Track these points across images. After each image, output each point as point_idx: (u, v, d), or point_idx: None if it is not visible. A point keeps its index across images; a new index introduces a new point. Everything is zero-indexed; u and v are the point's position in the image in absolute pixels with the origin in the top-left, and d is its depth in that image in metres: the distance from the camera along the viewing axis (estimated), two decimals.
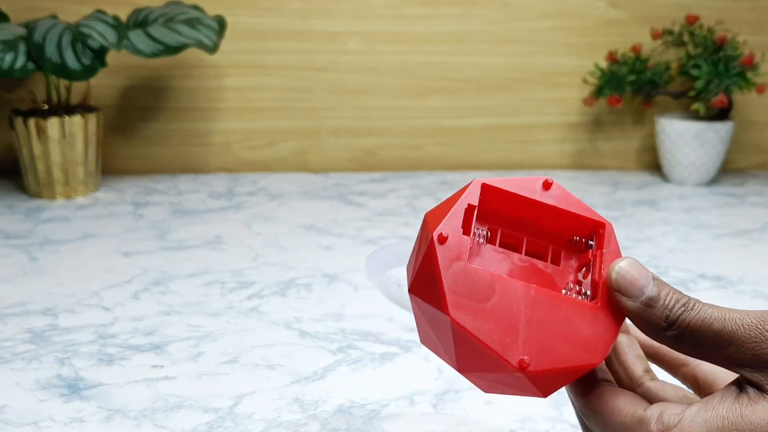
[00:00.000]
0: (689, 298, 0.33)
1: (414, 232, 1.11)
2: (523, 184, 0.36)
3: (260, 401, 0.64)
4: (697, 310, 0.32)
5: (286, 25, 1.42)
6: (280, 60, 1.43)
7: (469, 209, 0.34)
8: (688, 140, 1.35)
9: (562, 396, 0.65)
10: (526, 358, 0.32)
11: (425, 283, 0.34)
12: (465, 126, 1.48)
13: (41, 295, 0.87)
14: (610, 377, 0.37)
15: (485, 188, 0.35)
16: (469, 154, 1.49)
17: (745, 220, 1.17)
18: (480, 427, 0.60)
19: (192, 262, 0.98)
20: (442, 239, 0.33)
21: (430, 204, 1.26)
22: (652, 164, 1.51)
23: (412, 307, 0.35)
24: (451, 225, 0.34)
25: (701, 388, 0.38)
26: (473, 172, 1.48)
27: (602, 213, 1.17)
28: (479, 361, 0.33)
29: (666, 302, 0.32)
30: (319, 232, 1.11)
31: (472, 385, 0.66)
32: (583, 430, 0.37)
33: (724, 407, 0.31)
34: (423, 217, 0.36)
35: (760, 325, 0.31)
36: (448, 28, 1.44)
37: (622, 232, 1.07)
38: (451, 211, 0.34)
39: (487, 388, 0.35)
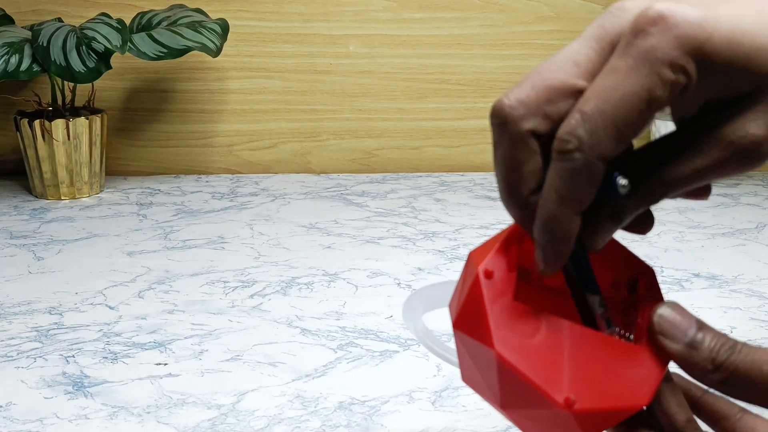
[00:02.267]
0: (735, 341, 0.32)
1: (413, 232, 1.12)
2: None
3: (262, 398, 0.65)
4: (745, 353, 0.31)
5: (287, 29, 1.43)
6: (281, 63, 1.45)
7: (514, 247, 0.34)
8: None
9: None
10: (572, 395, 0.32)
11: (470, 318, 0.33)
12: (464, 128, 1.49)
13: (46, 294, 0.88)
14: (653, 425, 0.36)
15: (525, 232, 0.34)
16: (467, 156, 1.51)
17: (740, 221, 1.18)
18: (478, 424, 0.61)
19: (195, 261, 0.99)
20: (489, 274, 0.33)
21: (430, 204, 1.27)
22: None
23: (456, 343, 0.35)
24: (496, 261, 0.33)
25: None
26: (472, 174, 1.49)
27: None
28: (524, 397, 0.32)
29: (711, 344, 0.32)
30: (320, 232, 1.12)
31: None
32: None
33: None
34: (467, 255, 0.36)
35: None
36: (446, 32, 1.45)
37: (618, 233, 1.08)
38: (496, 247, 0.34)
39: (528, 429, 0.34)
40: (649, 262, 0.99)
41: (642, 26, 0.28)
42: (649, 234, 1.11)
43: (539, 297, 0.36)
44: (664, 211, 1.23)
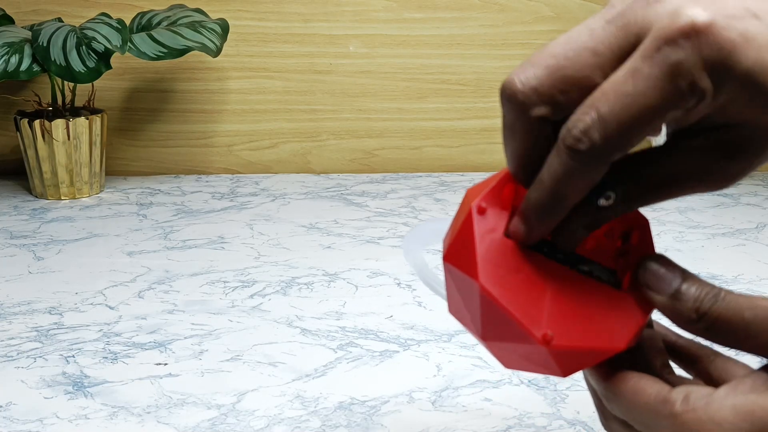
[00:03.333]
0: (719, 290, 0.32)
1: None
2: None
3: (262, 398, 0.65)
4: (728, 301, 0.31)
5: (287, 29, 1.44)
6: (281, 63, 1.45)
7: (510, 186, 0.35)
8: None
9: (558, 394, 0.66)
10: (549, 332, 0.32)
11: (459, 250, 0.34)
12: (463, 128, 1.50)
13: (46, 294, 0.88)
14: (632, 363, 0.37)
15: None
16: (467, 156, 1.51)
17: (740, 221, 1.18)
18: (478, 424, 0.61)
19: (195, 261, 0.99)
20: (482, 210, 0.34)
21: (430, 204, 1.27)
22: None
23: (445, 275, 0.36)
24: (491, 198, 0.34)
25: (716, 385, 0.38)
26: (472, 174, 1.49)
27: None
28: (503, 330, 0.33)
29: (695, 294, 0.32)
30: (320, 232, 1.12)
31: (472, 381, 0.67)
32: (601, 418, 0.37)
33: (755, 393, 0.30)
34: (465, 193, 0.37)
35: None
36: (446, 32, 1.45)
37: None
38: (491, 186, 0.35)
39: (507, 362, 0.35)
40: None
41: (674, 36, 0.28)
42: None
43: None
44: (664, 211, 1.23)
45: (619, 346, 0.33)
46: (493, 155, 1.51)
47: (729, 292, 0.32)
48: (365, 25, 1.44)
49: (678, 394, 0.32)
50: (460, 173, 1.49)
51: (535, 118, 0.31)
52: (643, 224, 0.36)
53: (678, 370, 0.39)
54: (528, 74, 0.30)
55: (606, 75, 0.30)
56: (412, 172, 1.50)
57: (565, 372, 0.34)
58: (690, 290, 0.32)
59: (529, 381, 0.68)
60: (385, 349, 0.74)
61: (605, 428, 0.37)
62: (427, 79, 1.47)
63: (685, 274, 0.33)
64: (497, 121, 1.50)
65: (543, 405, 0.64)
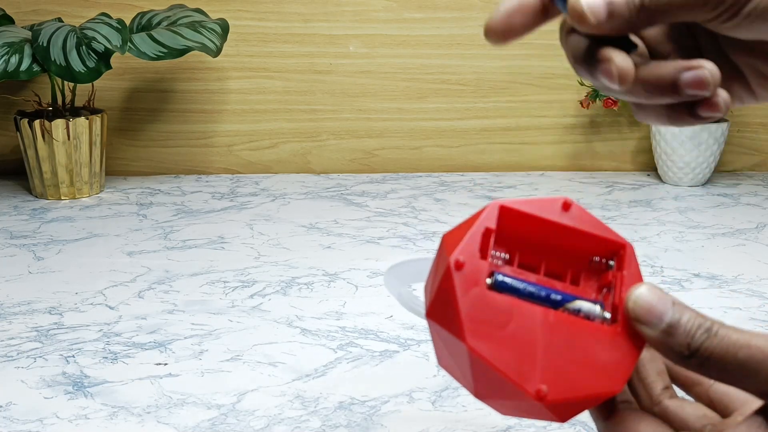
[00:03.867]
0: (712, 323, 0.31)
1: (413, 232, 1.12)
2: (542, 205, 0.35)
3: (262, 398, 0.65)
4: (721, 337, 0.31)
5: (287, 29, 1.44)
6: (281, 63, 1.45)
7: (486, 233, 0.34)
8: (683, 141, 1.36)
9: None
10: (543, 387, 0.32)
11: (442, 309, 0.33)
12: (463, 128, 1.50)
13: (46, 294, 0.88)
14: (630, 397, 0.37)
15: (503, 210, 0.35)
16: (467, 156, 1.51)
17: (740, 221, 1.18)
18: (478, 424, 0.61)
19: (195, 261, 1.00)
20: (459, 265, 0.33)
21: (430, 204, 1.27)
22: (648, 165, 1.52)
23: (430, 330, 0.35)
24: (468, 250, 0.33)
25: (717, 409, 0.37)
26: (472, 173, 1.49)
27: (598, 214, 1.18)
28: (497, 388, 0.33)
29: (687, 329, 0.31)
30: (320, 232, 1.12)
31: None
32: None
33: None
34: (441, 238, 0.36)
35: None
36: (446, 32, 1.45)
37: (618, 232, 1.08)
38: (467, 234, 0.34)
39: (504, 413, 0.35)
40: (649, 262, 1.00)
41: None
42: (649, 234, 1.12)
43: (517, 275, 0.36)
44: (665, 211, 1.24)
45: (615, 390, 0.33)
46: (493, 155, 1.51)
47: (721, 326, 0.31)
48: (365, 25, 1.44)
49: None
50: (460, 173, 1.49)
51: None
52: (627, 250, 0.35)
53: (679, 392, 0.39)
54: None
55: None
56: (412, 172, 1.50)
57: (564, 419, 0.34)
58: (681, 323, 0.32)
59: None
60: (385, 349, 0.74)
61: None
62: (427, 79, 1.47)
63: (675, 305, 0.32)
64: (497, 121, 1.50)
65: None
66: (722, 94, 0.33)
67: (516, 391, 0.32)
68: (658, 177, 1.45)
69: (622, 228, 1.12)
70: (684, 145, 1.37)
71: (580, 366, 0.33)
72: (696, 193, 1.35)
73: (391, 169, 1.50)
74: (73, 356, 0.73)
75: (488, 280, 0.34)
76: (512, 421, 0.62)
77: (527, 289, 0.34)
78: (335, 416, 0.62)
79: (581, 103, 1.41)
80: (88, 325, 0.80)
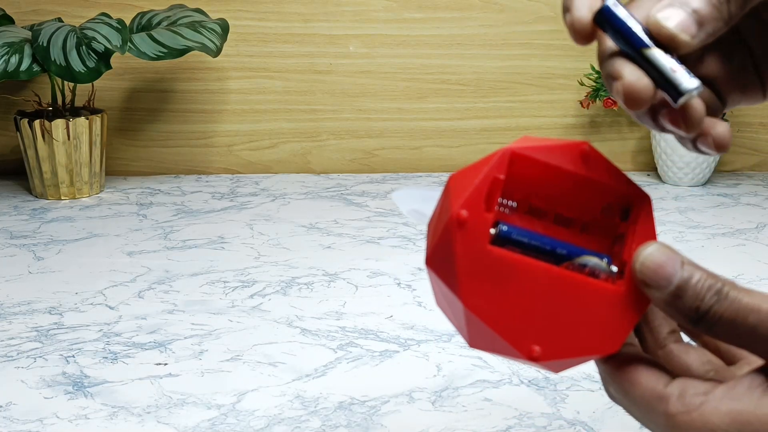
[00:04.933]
0: (723, 284, 0.30)
1: (413, 232, 1.12)
2: (558, 151, 0.33)
3: (262, 398, 0.65)
4: (731, 300, 0.30)
5: (287, 29, 1.44)
6: (281, 63, 1.45)
7: (494, 182, 0.32)
8: None
9: (559, 394, 0.66)
10: (537, 348, 0.32)
11: (442, 260, 0.32)
12: (463, 128, 1.50)
13: (46, 294, 0.88)
14: (634, 340, 0.36)
15: (515, 157, 0.33)
16: (467, 156, 1.51)
17: (740, 221, 1.18)
18: (478, 424, 0.61)
19: (195, 261, 0.99)
20: (462, 220, 0.32)
21: None
22: (648, 165, 1.52)
23: (429, 275, 0.34)
24: (472, 201, 0.32)
25: (723, 357, 0.37)
26: None
27: None
28: (490, 343, 0.33)
29: (696, 291, 0.30)
30: (320, 232, 1.12)
31: (473, 381, 0.68)
32: (605, 390, 0.36)
33: (752, 399, 0.29)
34: (446, 180, 0.34)
35: None
36: (446, 32, 1.45)
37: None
38: (474, 183, 0.32)
39: (497, 355, 0.34)
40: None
41: None
42: None
43: (522, 221, 0.34)
44: (665, 211, 1.24)
45: (610, 351, 0.32)
46: None
47: (732, 287, 0.30)
48: (365, 25, 1.44)
49: (674, 389, 0.31)
50: None
51: None
52: (644, 200, 0.34)
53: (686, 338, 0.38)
54: None
55: None
56: (412, 172, 1.50)
57: (557, 372, 0.33)
58: (690, 286, 0.30)
59: (529, 381, 0.68)
60: (385, 349, 0.74)
61: (607, 393, 0.36)
62: (427, 79, 1.47)
63: (685, 265, 0.31)
64: (497, 121, 1.50)
65: (543, 405, 0.64)
66: (719, 129, 0.32)
67: (509, 349, 0.32)
68: (658, 177, 1.45)
69: None
70: None
71: (576, 326, 0.32)
72: (696, 193, 1.35)
73: (391, 169, 1.50)
74: (73, 356, 0.73)
75: (492, 230, 0.32)
76: (512, 421, 0.62)
77: (532, 242, 0.33)
78: (335, 416, 0.62)
79: (581, 103, 1.41)
80: (88, 325, 0.80)
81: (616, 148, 1.52)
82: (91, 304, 0.86)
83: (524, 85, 1.48)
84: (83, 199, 1.30)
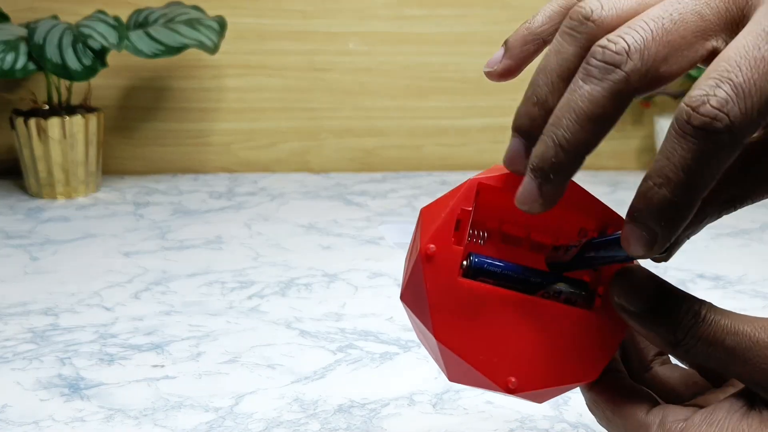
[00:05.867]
0: (700, 306, 0.30)
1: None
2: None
3: (260, 401, 0.64)
4: (708, 322, 0.30)
5: (286, 26, 1.43)
6: (280, 60, 1.44)
7: (463, 214, 0.32)
8: None
9: (561, 396, 0.65)
10: (513, 380, 0.31)
11: (414, 295, 0.32)
12: (465, 126, 1.49)
13: (42, 295, 0.87)
14: (619, 365, 0.36)
15: (482, 187, 0.33)
16: (468, 155, 1.50)
17: (744, 220, 1.17)
18: (479, 427, 0.60)
19: (192, 262, 0.99)
20: (430, 255, 0.32)
21: None
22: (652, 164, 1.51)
23: (405, 310, 0.34)
24: (441, 236, 0.32)
25: (710, 378, 0.36)
26: (473, 173, 1.47)
27: None
28: (468, 377, 0.32)
29: (673, 315, 0.30)
30: (320, 232, 1.11)
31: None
32: (594, 416, 0.36)
33: (731, 425, 0.29)
34: (419, 212, 0.34)
35: None
36: (447, 29, 1.44)
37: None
38: (442, 218, 0.32)
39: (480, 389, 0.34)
40: (651, 262, 0.99)
41: None
42: None
43: (496, 250, 0.34)
44: None
45: (589, 380, 0.32)
46: (495, 154, 1.50)
47: (710, 310, 0.30)
48: (365, 22, 1.43)
49: (654, 417, 0.31)
50: (462, 172, 1.48)
51: (631, 89, 0.27)
52: (619, 223, 0.33)
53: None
54: (636, 38, 0.27)
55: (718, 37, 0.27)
56: (413, 171, 1.49)
57: (540, 402, 0.33)
58: (667, 311, 0.30)
59: None
60: (386, 351, 0.74)
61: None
62: (428, 76, 1.46)
63: (662, 289, 0.31)
64: (499, 120, 1.49)
65: (545, 408, 0.63)
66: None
67: (486, 382, 0.32)
68: None
69: None
70: None
71: (553, 355, 0.32)
72: None
73: (391, 168, 1.49)
74: (69, 358, 0.72)
75: (464, 262, 0.32)
76: (514, 424, 0.61)
77: (505, 271, 0.33)
78: (334, 419, 0.61)
79: None
80: (84, 327, 0.79)
81: (619, 147, 1.51)
82: (87, 305, 0.85)
83: (526, 84, 1.47)
84: (79, 198, 1.29)
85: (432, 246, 0.32)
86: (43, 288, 0.89)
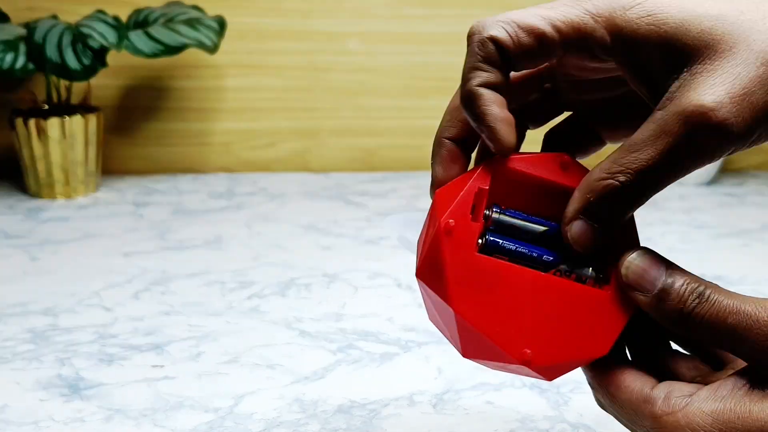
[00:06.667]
0: (705, 287, 0.32)
1: (413, 232, 1.11)
2: (538, 162, 0.35)
3: (260, 401, 0.64)
4: (712, 302, 0.31)
5: (286, 26, 1.42)
6: (280, 60, 1.44)
7: (480, 193, 0.34)
8: None
9: (561, 396, 0.65)
10: (529, 352, 0.32)
11: (431, 270, 0.33)
12: None
13: (41, 295, 0.87)
14: (622, 343, 0.36)
15: (498, 168, 0.34)
16: None
17: (745, 220, 1.17)
18: (480, 427, 0.60)
19: (192, 262, 0.98)
20: (449, 228, 0.33)
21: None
22: None
23: (420, 288, 0.35)
24: (458, 211, 0.33)
25: (711, 363, 0.38)
26: None
27: None
28: (483, 350, 0.33)
29: (679, 294, 0.32)
30: (320, 232, 1.11)
31: (474, 384, 0.66)
32: (594, 398, 0.37)
33: (734, 400, 0.31)
34: (433, 195, 0.36)
35: None
36: (448, 28, 1.44)
37: None
38: (460, 195, 0.33)
39: (492, 368, 0.35)
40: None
41: None
42: (654, 234, 1.11)
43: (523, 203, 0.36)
44: (669, 210, 1.23)
45: (602, 353, 0.33)
46: None
47: (714, 290, 0.32)
48: (365, 21, 1.43)
49: (660, 391, 0.32)
50: None
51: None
52: None
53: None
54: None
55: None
56: (413, 170, 1.49)
57: (551, 378, 0.34)
58: (674, 289, 0.32)
59: (532, 384, 0.67)
60: (386, 351, 0.73)
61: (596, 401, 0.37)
62: (429, 76, 1.46)
63: (669, 270, 0.32)
64: None
65: (546, 408, 0.63)
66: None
67: (502, 354, 0.33)
68: None
69: None
70: None
71: (566, 330, 0.33)
72: (701, 193, 1.34)
73: (391, 168, 1.49)
74: (69, 358, 0.72)
75: (480, 240, 0.34)
76: (514, 424, 0.61)
77: (519, 250, 0.34)
78: (334, 419, 0.61)
79: None
80: (83, 327, 0.79)
81: None
82: (87, 305, 0.84)
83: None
84: (79, 198, 1.29)
85: (451, 220, 0.33)
86: (42, 288, 0.89)
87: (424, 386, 0.67)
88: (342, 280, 0.92)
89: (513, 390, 0.66)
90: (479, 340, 0.33)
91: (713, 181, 1.41)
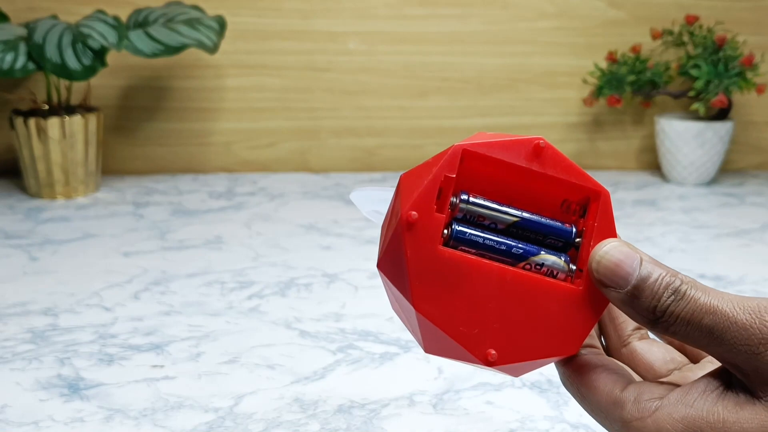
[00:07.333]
0: (681, 283, 0.30)
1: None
2: (512, 147, 0.32)
3: (260, 401, 0.64)
4: (687, 300, 0.30)
5: (286, 26, 1.42)
6: (280, 60, 1.43)
7: (446, 182, 0.31)
8: (687, 140, 1.35)
9: (561, 397, 0.65)
10: (493, 352, 0.31)
11: (392, 265, 0.31)
12: (465, 126, 1.48)
13: (41, 295, 0.87)
14: (595, 341, 0.35)
15: (466, 154, 0.32)
16: None
17: (745, 220, 1.17)
18: (480, 427, 0.60)
19: (192, 262, 0.98)
20: (411, 222, 0.30)
21: None
22: (652, 164, 1.51)
23: (381, 279, 0.33)
24: (422, 202, 0.30)
25: (689, 354, 0.36)
26: None
27: None
28: (446, 348, 0.31)
29: (654, 290, 0.30)
30: (319, 232, 1.11)
31: (474, 384, 0.66)
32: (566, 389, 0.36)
33: (706, 406, 0.29)
34: (398, 179, 0.33)
35: (754, 324, 0.29)
36: (447, 28, 1.44)
37: (622, 232, 1.07)
38: (424, 184, 0.31)
39: (455, 362, 0.34)
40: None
41: None
42: (654, 234, 1.10)
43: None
44: (670, 210, 1.22)
45: (572, 352, 0.32)
46: None
47: (691, 286, 0.30)
48: (365, 21, 1.43)
49: (629, 394, 0.31)
50: None
51: None
52: (602, 196, 0.33)
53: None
54: None
55: None
56: None
57: (517, 376, 0.32)
58: (647, 286, 0.30)
59: (532, 384, 0.67)
60: (386, 352, 0.73)
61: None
62: (429, 76, 1.46)
63: (643, 264, 0.30)
64: (499, 119, 1.49)
65: (545, 408, 0.63)
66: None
67: (465, 354, 0.31)
68: (663, 176, 1.44)
69: (626, 228, 1.11)
70: (689, 144, 1.35)
71: (533, 328, 0.31)
72: (701, 193, 1.34)
73: (391, 168, 1.49)
74: (69, 358, 0.72)
75: (445, 231, 0.31)
76: (514, 424, 0.61)
77: (487, 242, 0.32)
78: (334, 420, 0.61)
79: (584, 101, 1.40)
80: (83, 327, 0.79)
81: (620, 147, 1.51)
82: (87, 305, 0.84)
83: (527, 83, 1.47)
84: (79, 198, 1.29)
85: (414, 213, 0.30)
86: (42, 288, 0.89)
87: (424, 386, 0.67)
88: (342, 280, 0.92)
89: (513, 390, 0.66)
90: (441, 338, 0.31)
91: (713, 181, 1.41)
